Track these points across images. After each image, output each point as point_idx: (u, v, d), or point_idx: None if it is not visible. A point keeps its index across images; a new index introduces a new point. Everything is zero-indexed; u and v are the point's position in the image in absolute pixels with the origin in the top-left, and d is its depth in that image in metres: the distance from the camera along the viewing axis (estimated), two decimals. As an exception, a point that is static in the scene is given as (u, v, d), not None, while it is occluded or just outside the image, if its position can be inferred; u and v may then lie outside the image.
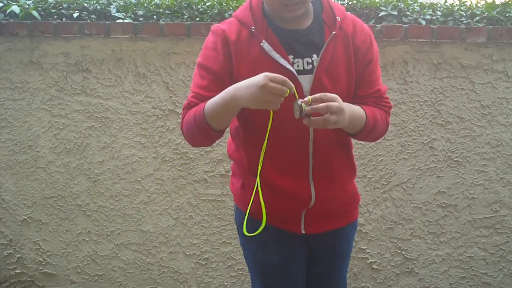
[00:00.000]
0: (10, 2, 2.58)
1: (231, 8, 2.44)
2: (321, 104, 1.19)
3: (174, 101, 2.44)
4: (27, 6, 2.53)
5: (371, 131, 1.40)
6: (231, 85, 1.29)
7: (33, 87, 2.51)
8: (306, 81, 1.34)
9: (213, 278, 2.55)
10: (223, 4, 2.47)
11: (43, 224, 2.59)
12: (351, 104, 1.33)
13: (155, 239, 2.55)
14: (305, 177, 1.39)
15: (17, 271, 2.65)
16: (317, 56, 1.34)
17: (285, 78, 1.18)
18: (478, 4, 2.54)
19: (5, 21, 2.48)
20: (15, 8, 2.48)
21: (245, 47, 1.35)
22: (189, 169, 2.48)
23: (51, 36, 2.47)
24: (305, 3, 1.33)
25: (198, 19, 2.46)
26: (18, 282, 2.65)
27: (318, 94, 1.21)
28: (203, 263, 2.54)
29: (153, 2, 2.56)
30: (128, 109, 2.48)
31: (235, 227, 2.47)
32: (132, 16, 2.53)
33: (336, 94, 1.25)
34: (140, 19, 2.53)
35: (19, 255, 2.63)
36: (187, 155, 2.46)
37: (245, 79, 1.25)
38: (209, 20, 2.44)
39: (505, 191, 2.42)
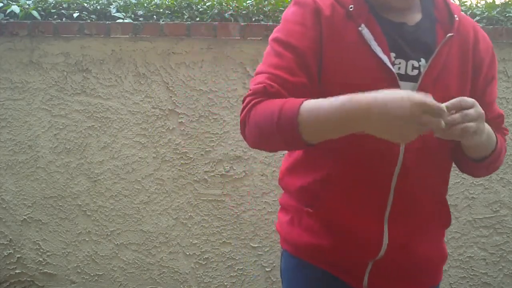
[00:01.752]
0: (10, 2, 2.58)
1: (231, 8, 2.44)
2: (457, 115, 0.90)
3: (174, 101, 2.44)
4: (27, 6, 2.53)
5: (497, 158, 1.11)
6: (316, 72, 1.01)
7: (33, 87, 2.51)
8: (407, 90, 0.94)
9: (213, 278, 2.55)
10: (223, 4, 2.47)
11: (43, 224, 2.59)
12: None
13: (155, 239, 2.55)
14: (378, 217, 1.04)
15: (17, 271, 2.65)
16: (426, 61, 1.02)
17: (441, 107, 0.86)
18: (478, 4, 2.54)
19: (5, 21, 2.49)
20: (15, 8, 2.48)
21: (339, 28, 1.02)
22: (189, 169, 2.48)
23: (51, 36, 2.47)
24: None
25: (198, 19, 2.46)
26: (18, 282, 2.65)
27: (455, 100, 0.90)
28: (203, 263, 2.54)
29: (153, 2, 2.56)
30: (128, 109, 2.48)
31: (235, 227, 2.48)
32: (132, 16, 2.53)
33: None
34: (140, 19, 2.53)
35: (19, 255, 2.63)
36: (187, 155, 2.46)
37: (334, 69, 1.00)
38: (209, 20, 2.44)
39: (505, 191, 2.42)
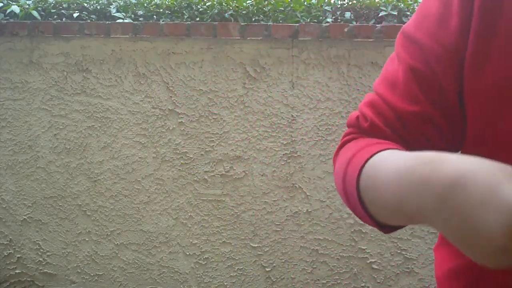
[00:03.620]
0: (10, 2, 2.58)
1: (231, 8, 2.44)
2: None
3: (174, 101, 2.44)
4: (27, 6, 2.53)
5: None
6: (455, 92, 0.58)
7: (33, 87, 2.51)
8: None
9: (213, 278, 2.55)
10: (223, 4, 2.47)
11: (43, 224, 2.59)
12: None
13: (155, 239, 2.55)
14: None
15: (17, 271, 2.65)
16: None
17: None
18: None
19: (5, 21, 2.49)
20: (15, 8, 2.48)
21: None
22: (189, 169, 2.47)
23: (51, 36, 2.47)
24: None
25: (198, 19, 2.46)
26: (18, 282, 2.65)
27: None
28: (203, 263, 2.54)
29: (153, 2, 2.56)
30: (128, 109, 2.48)
31: (235, 227, 2.48)
32: (132, 16, 2.53)
33: None
34: (140, 19, 2.53)
35: (19, 255, 2.63)
36: (187, 155, 2.46)
37: (496, 82, 0.54)
38: (209, 20, 2.44)
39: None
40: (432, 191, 0.45)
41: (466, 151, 0.60)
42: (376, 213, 0.56)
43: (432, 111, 0.59)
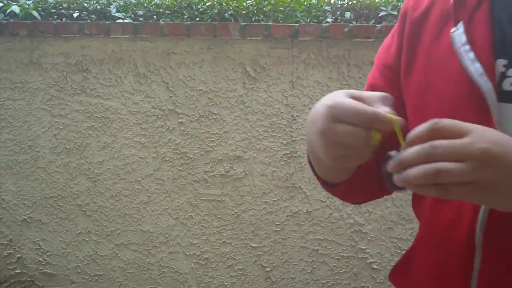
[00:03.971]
0: (10, 2, 2.58)
1: (231, 8, 2.44)
2: (415, 148, 0.54)
3: (174, 101, 2.44)
4: (27, 6, 2.53)
5: None
6: (399, 102, 0.76)
7: (33, 87, 2.51)
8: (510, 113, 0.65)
9: (213, 278, 2.55)
10: (223, 4, 2.47)
11: (43, 224, 2.59)
12: None
13: (155, 239, 2.55)
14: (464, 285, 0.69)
15: (17, 271, 2.65)
16: None
17: (366, 109, 0.56)
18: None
19: (5, 21, 2.49)
20: (15, 8, 2.48)
21: (429, 33, 0.74)
22: (189, 169, 2.47)
23: (51, 36, 2.47)
24: None
25: (198, 19, 2.46)
26: (18, 282, 2.65)
27: (426, 124, 0.54)
28: (203, 263, 2.54)
29: (153, 2, 2.56)
30: (128, 109, 2.48)
31: (235, 227, 2.48)
32: (132, 16, 2.53)
33: None
34: (140, 19, 2.53)
35: (19, 255, 2.63)
36: (187, 155, 2.46)
37: (414, 93, 0.74)
38: (209, 20, 2.44)
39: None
40: (310, 117, 0.64)
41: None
42: (317, 170, 0.73)
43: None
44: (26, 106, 2.52)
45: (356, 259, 2.47)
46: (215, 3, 2.48)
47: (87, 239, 2.58)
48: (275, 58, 2.34)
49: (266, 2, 2.49)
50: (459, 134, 0.52)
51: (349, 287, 2.47)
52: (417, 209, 0.80)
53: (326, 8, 2.47)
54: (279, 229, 2.46)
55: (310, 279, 2.48)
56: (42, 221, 2.59)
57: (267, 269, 2.50)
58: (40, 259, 2.62)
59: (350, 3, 2.52)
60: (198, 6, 2.50)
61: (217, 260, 2.53)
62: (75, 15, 2.52)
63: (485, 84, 0.65)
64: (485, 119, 0.63)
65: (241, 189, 2.45)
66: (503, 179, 0.50)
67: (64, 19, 2.54)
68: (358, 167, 0.71)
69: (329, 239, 2.43)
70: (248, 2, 2.48)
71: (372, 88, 0.80)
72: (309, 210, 2.42)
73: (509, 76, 0.65)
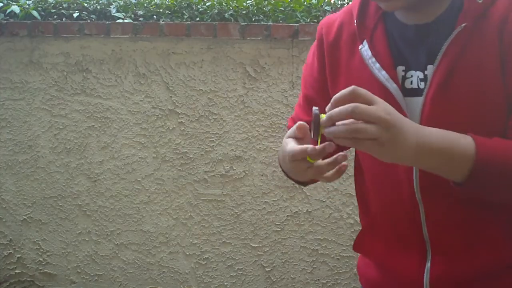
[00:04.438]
0: (10, 2, 2.58)
1: (231, 8, 2.44)
2: (342, 107, 0.71)
3: (174, 101, 2.44)
4: (27, 6, 2.53)
5: (494, 181, 0.79)
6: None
7: (33, 87, 2.51)
8: (415, 108, 0.86)
9: (213, 278, 2.55)
10: (223, 4, 2.47)
11: (43, 224, 2.59)
12: (431, 129, 0.78)
13: (155, 239, 2.55)
14: (417, 248, 0.92)
15: (17, 271, 2.64)
16: (432, 66, 0.86)
17: (299, 151, 0.78)
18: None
19: (5, 21, 2.49)
20: (15, 8, 2.48)
21: (345, 51, 0.95)
22: (189, 169, 2.47)
23: (51, 36, 2.47)
24: None
25: (198, 19, 2.46)
26: (18, 282, 2.65)
27: (348, 89, 0.72)
28: (203, 263, 2.54)
29: (153, 2, 2.56)
30: (128, 109, 2.48)
31: (235, 227, 2.48)
32: (132, 16, 2.53)
33: (466, 126, 0.80)
34: (140, 19, 2.53)
35: (19, 255, 2.63)
36: (187, 155, 2.46)
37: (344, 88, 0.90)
38: (209, 20, 2.44)
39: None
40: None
41: None
42: (290, 174, 0.94)
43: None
44: (26, 106, 2.52)
45: (356, 259, 2.46)
46: (215, 3, 2.48)
47: (87, 239, 2.58)
48: (275, 58, 2.34)
49: (266, 2, 2.49)
50: (370, 102, 0.71)
51: (349, 287, 2.47)
52: (359, 189, 1.03)
53: (326, 8, 2.47)
54: (279, 229, 2.46)
55: (310, 279, 2.48)
56: (42, 221, 2.59)
57: (267, 269, 2.50)
58: (40, 259, 2.62)
59: (350, 3, 2.52)
60: (198, 6, 2.50)
61: (217, 260, 2.53)
62: (75, 15, 2.52)
63: (391, 86, 0.87)
64: (398, 110, 0.77)
65: (241, 189, 2.45)
66: (394, 140, 0.71)
67: (64, 19, 2.54)
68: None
69: (329, 239, 2.43)
70: (248, 2, 2.48)
71: (307, 98, 1.04)
72: (309, 210, 2.42)
73: (407, 78, 0.88)
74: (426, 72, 0.86)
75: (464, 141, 0.78)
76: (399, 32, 0.90)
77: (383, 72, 0.88)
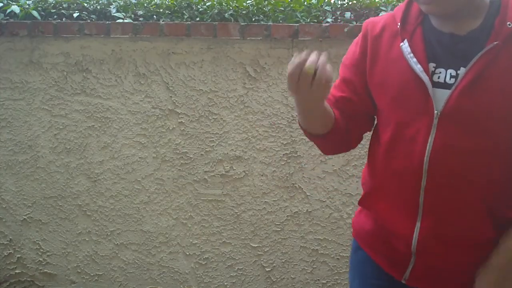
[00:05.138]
0: (10, 2, 2.58)
1: (231, 8, 2.44)
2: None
3: (174, 101, 2.44)
4: (27, 6, 2.53)
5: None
6: (362, 86, 1.20)
7: (33, 87, 2.51)
8: (442, 97, 1.08)
9: (213, 278, 2.55)
10: (223, 4, 2.47)
11: (43, 224, 2.59)
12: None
13: (155, 239, 2.55)
14: (412, 207, 1.14)
15: (17, 271, 2.65)
16: (465, 69, 1.07)
17: (295, 62, 1.02)
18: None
19: (5, 21, 2.49)
20: (15, 8, 2.48)
21: (385, 45, 1.18)
22: (189, 169, 2.47)
23: (51, 36, 2.47)
24: (442, 1, 1.06)
25: (198, 19, 2.46)
26: (18, 282, 2.65)
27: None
28: (203, 263, 2.54)
29: (153, 2, 2.56)
30: (128, 109, 2.48)
31: (235, 227, 2.48)
32: (132, 16, 2.53)
33: (481, 124, 1.04)
34: (140, 19, 2.53)
35: (19, 255, 2.63)
36: (187, 155, 2.46)
37: (378, 82, 1.16)
38: (209, 20, 2.44)
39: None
40: None
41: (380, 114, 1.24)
42: (305, 125, 1.20)
43: (351, 95, 1.24)
44: (26, 106, 2.52)
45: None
46: (215, 3, 2.48)
47: (87, 239, 2.58)
48: (275, 58, 2.34)
49: (266, 2, 2.49)
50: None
51: (349, 286, 2.47)
52: (372, 155, 1.25)
53: (326, 8, 2.47)
54: (279, 229, 2.46)
55: (310, 279, 2.48)
56: (42, 221, 2.59)
57: (267, 269, 2.50)
58: (40, 259, 2.62)
59: (350, 3, 2.52)
60: (198, 6, 2.50)
61: (217, 260, 2.53)
62: (75, 15, 2.52)
63: (424, 77, 1.09)
64: (426, 97, 1.09)
65: (241, 189, 2.45)
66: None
67: (64, 19, 2.54)
68: (332, 132, 1.21)
69: (329, 239, 2.43)
70: (248, 2, 2.48)
71: (345, 80, 1.25)
72: (309, 210, 2.42)
73: (436, 73, 1.10)
74: (458, 72, 1.07)
75: None
76: (435, 36, 1.12)
77: (419, 66, 1.10)
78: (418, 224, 1.13)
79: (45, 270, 2.63)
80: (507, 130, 1.05)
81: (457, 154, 1.06)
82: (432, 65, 1.10)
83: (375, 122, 1.29)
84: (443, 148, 1.07)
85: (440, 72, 1.09)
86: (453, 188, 1.08)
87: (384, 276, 1.24)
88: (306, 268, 2.48)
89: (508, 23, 1.05)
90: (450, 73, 1.08)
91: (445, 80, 1.08)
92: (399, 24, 1.15)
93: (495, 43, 1.03)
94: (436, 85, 1.09)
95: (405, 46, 1.12)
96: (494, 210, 1.09)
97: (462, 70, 1.06)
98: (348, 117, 1.24)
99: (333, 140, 1.23)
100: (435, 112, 1.07)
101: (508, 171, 1.08)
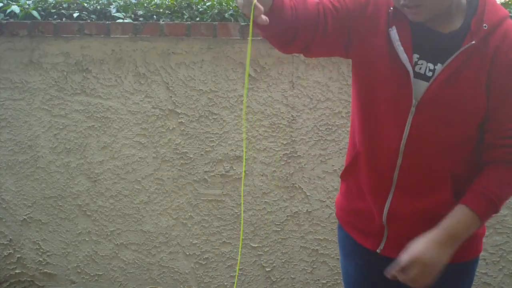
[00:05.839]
0: (10, 2, 2.58)
1: (231, 8, 2.44)
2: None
3: (174, 101, 2.44)
4: (27, 6, 2.53)
5: (495, 211, 1.21)
6: (347, 25, 1.20)
7: (33, 87, 2.51)
8: (420, 88, 1.18)
9: (213, 278, 2.55)
10: (223, 4, 2.47)
11: (43, 224, 2.59)
12: (451, 223, 1.17)
13: (155, 239, 2.55)
14: (386, 183, 1.27)
15: (17, 271, 2.65)
16: (442, 65, 1.16)
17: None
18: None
19: (5, 21, 2.48)
20: (15, 8, 2.48)
21: (374, 21, 1.20)
22: (189, 169, 2.48)
23: (51, 36, 2.47)
24: (427, 8, 1.12)
25: (198, 19, 2.46)
26: (18, 282, 2.65)
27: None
28: (203, 263, 2.54)
29: (153, 2, 2.56)
30: (128, 109, 2.48)
31: (236, 227, 2.48)
32: (132, 16, 2.53)
33: (453, 115, 1.16)
34: (140, 19, 2.53)
35: (19, 255, 2.63)
36: (187, 155, 2.46)
37: (359, 59, 1.23)
38: (209, 20, 2.44)
39: (505, 191, 2.42)
40: None
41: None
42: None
43: (336, 12, 1.20)
44: (26, 106, 2.52)
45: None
46: (215, 3, 2.48)
47: (87, 239, 2.58)
48: (275, 58, 2.34)
49: (266, 2, 2.49)
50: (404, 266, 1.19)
51: (349, 287, 2.47)
52: (352, 128, 1.34)
53: (326, 8, 2.47)
54: (279, 229, 2.46)
55: (310, 279, 2.48)
56: (42, 221, 2.59)
57: (267, 269, 2.50)
58: (40, 259, 2.62)
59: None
60: (198, 6, 2.50)
61: (217, 260, 2.53)
62: (75, 15, 2.52)
63: (409, 67, 1.16)
64: (408, 85, 1.17)
65: (241, 189, 2.45)
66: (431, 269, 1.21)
67: (64, 19, 2.54)
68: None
69: (329, 239, 2.43)
70: (248, 2, 2.48)
71: (340, 6, 1.21)
72: (309, 210, 2.42)
73: (418, 64, 1.18)
74: (436, 67, 1.16)
75: (466, 217, 1.17)
76: (421, 30, 1.18)
77: (404, 55, 1.16)
78: (390, 197, 1.26)
79: (45, 270, 2.63)
80: (475, 121, 1.18)
81: (430, 139, 1.19)
82: (416, 56, 1.18)
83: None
84: (418, 134, 1.18)
85: (421, 64, 1.18)
86: (425, 169, 1.21)
87: (361, 251, 1.37)
88: (306, 268, 2.48)
89: (484, 24, 1.14)
90: (429, 67, 1.17)
91: (425, 72, 1.18)
92: (391, 8, 1.19)
93: (472, 42, 1.13)
94: (416, 75, 1.18)
95: (393, 32, 1.17)
96: (458, 188, 1.21)
97: (439, 66, 1.16)
98: (316, 22, 1.19)
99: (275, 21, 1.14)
100: (413, 101, 1.17)
101: (473, 156, 1.22)
